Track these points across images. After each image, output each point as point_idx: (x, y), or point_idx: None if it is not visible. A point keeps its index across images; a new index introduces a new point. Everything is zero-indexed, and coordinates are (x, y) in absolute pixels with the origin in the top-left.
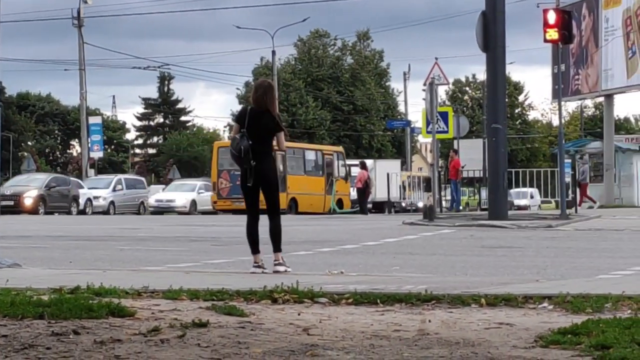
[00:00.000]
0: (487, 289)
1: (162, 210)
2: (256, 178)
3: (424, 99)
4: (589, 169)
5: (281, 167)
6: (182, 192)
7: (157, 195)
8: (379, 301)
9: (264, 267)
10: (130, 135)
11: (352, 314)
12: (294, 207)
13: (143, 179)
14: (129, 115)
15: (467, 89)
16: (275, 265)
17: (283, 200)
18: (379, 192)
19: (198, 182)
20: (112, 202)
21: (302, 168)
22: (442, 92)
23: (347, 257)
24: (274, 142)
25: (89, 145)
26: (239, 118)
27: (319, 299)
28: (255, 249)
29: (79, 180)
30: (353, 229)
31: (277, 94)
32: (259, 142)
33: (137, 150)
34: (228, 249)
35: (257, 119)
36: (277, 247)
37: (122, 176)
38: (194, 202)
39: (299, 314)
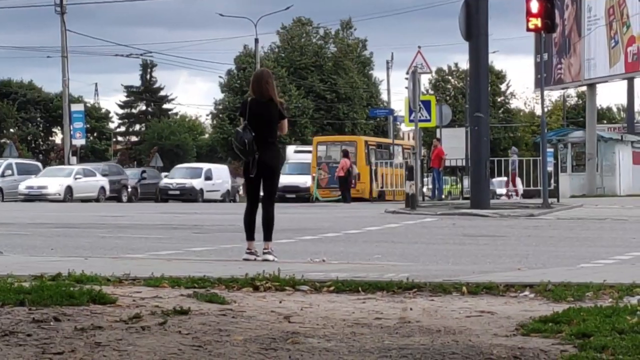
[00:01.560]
0: (469, 277)
1: (33, 198)
2: (260, 168)
3: (406, 88)
4: (517, 160)
5: (373, 159)
6: (56, 178)
7: (28, 181)
8: (360, 289)
9: (257, 255)
10: (113, 124)
11: (334, 301)
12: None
13: (38, 164)
14: (112, 103)
15: (450, 77)
16: (265, 253)
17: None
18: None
19: (75, 167)
20: (0, 189)
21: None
22: (425, 80)
23: (329, 245)
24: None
25: (71, 132)
26: (241, 111)
27: (300, 286)
28: (250, 236)
29: None
30: (335, 217)
31: (274, 81)
32: (263, 132)
33: (120, 138)
34: (210, 236)
35: (261, 110)
36: (268, 236)
37: (13, 160)
38: (69, 189)
39: (280, 302)
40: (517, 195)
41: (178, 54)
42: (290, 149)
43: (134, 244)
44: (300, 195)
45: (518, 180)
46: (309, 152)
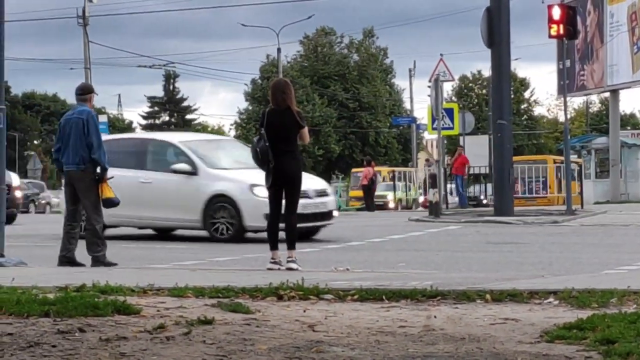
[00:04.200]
0: (493, 284)
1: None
2: (279, 177)
3: (429, 96)
4: None
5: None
6: None
7: None
8: (384, 297)
9: (281, 264)
10: None
11: (358, 310)
12: None
13: None
14: (135, 114)
15: (473, 85)
16: (289, 262)
17: None
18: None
19: None
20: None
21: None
22: (448, 88)
23: (353, 253)
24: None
25: None
26: (261, 121)
27: (324, 295)
28: (274, 245)
29: None
30: (359, 226)
31: (293, 90)
32: (280, 141)
33: None
34: (233, 246)
35: (277, 119)
36: (291, 245)
37: None
38: None
39: (304, 311)
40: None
41: (201, 64)
42: None
43: (157, 255)
44: None
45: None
46: None
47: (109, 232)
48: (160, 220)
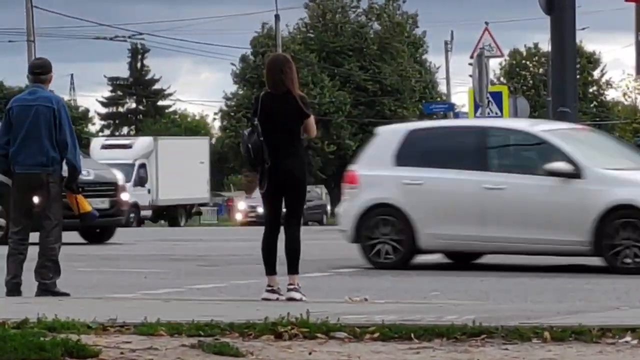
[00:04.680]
0: (553, 319)
1: None
2: (276, 181)
3: (470, 76)
4: None
5: None
6: None
7: None
8: (413, 336)
9: (279, 293)
10: (94, 126)
11: (379, 352)
12: None
13: None
14: (92, 100)
15: (528, 62)
16: (290, 290)
17: None
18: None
19: None
20: None
21: None
22: (494, 66)
23: (373, 279)
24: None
25: None
26: (254, 108)
27: (336, 333)
28: (270, 269)
29: None
30: None
31: (295, 69)
32: (279, 134)
33: None
34: (219, 270)
35: (275, 106)
36: (293, 268)
37: None
38: None
39: (310, 353)
40: None
41: (177, 36)
42: (96, 144)
43: (123, 280)
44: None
45: None
46: (124, 146)
47: (62, 250)
48: (519, 243)
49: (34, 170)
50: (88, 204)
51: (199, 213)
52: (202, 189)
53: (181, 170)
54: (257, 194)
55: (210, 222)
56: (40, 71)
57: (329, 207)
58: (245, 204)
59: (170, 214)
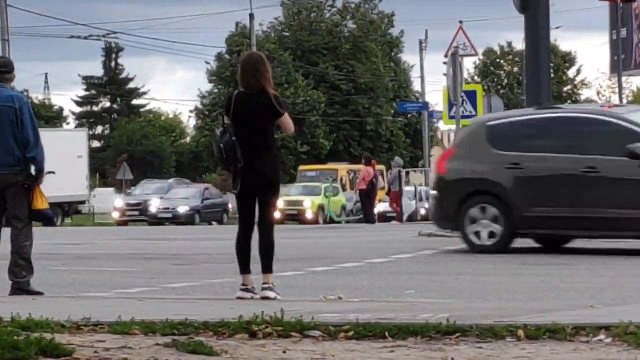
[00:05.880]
0: (527, 317)
1: None
2: (250, 182)
3: (445, 75)
4: (399, 175)
5: None
6: None
7: None
8: (387, 334)
9: (254, 292)
10: (69, 125)
11: (354, 351)
12: None
13: None
14: (67, 99)
15: (502, 61)
16: (264, 289)
17: None
18: None
19: None
20: None
21: None
22: (469, 65)
23: (348, 278)
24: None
25: None
26: (226, 107)
27: (310, 332)
28: (245, 268)
29: None
30: (356, 243)
31: (270, 68)
32: (253, 134)
33: None
34: (194, 269)
35: (249, 105)
36: (267, 267)
37: None
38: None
39: (284, 352)
40: (398, 219)
41: (152, 35)
42: None
43: (97, 280)
44: None
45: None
46: None
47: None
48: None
49: (1, 171)
50: (44, 202)
51: (78, 212)
52: (80, 185)
53: (56, 165)
54: (139, 190)
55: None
56: (5, 70)
57: (230, 206)
58: (123, 201)
59: None
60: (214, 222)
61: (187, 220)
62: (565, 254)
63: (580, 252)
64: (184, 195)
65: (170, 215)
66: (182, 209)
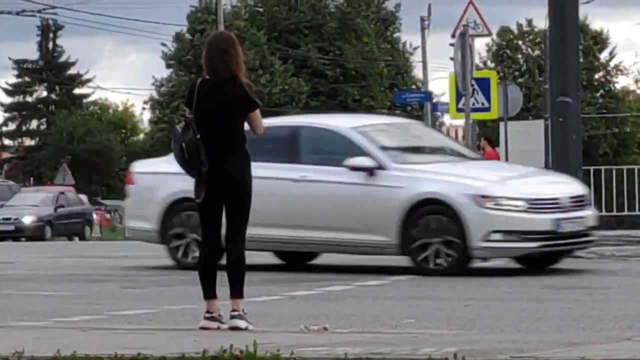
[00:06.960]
0: (551, 352)
1: None
2: (216, 186)
3: (452, 59)
4: None
5: None
6: None
7: None
8: None
9: (220, 320)
10: None
11: None
12: None
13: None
14: None
15: (520, 42)
16: (233, 317)
17: None
18: None
19: None
20: None
21: None
22: (481, 47)
23: (334, 304)
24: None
25: None
26: (187, 98)
27: None
28: (209, 293)
29: None
30: (344, 260)
31: (241, 51)
32: (219, 131)
33: (7, 142)
34: (149, 293)
35: (215, 95)
36: (237, 292)
37: None
38: None
39: None
40: None
41: (97, 10)
42: None
43: (32, 305)
44: None
45: None
46: None
47: None
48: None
49: None
50: None
51: None
52: None
53: None
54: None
55: None
56: None
57: (94, 216)
58: None
59: None
60: (74, 237)
61: (34, 234)
62: (595, 274)
63: (615, 274)
64: (31, 202)
65: (11, 228)
66: (28, 219)
